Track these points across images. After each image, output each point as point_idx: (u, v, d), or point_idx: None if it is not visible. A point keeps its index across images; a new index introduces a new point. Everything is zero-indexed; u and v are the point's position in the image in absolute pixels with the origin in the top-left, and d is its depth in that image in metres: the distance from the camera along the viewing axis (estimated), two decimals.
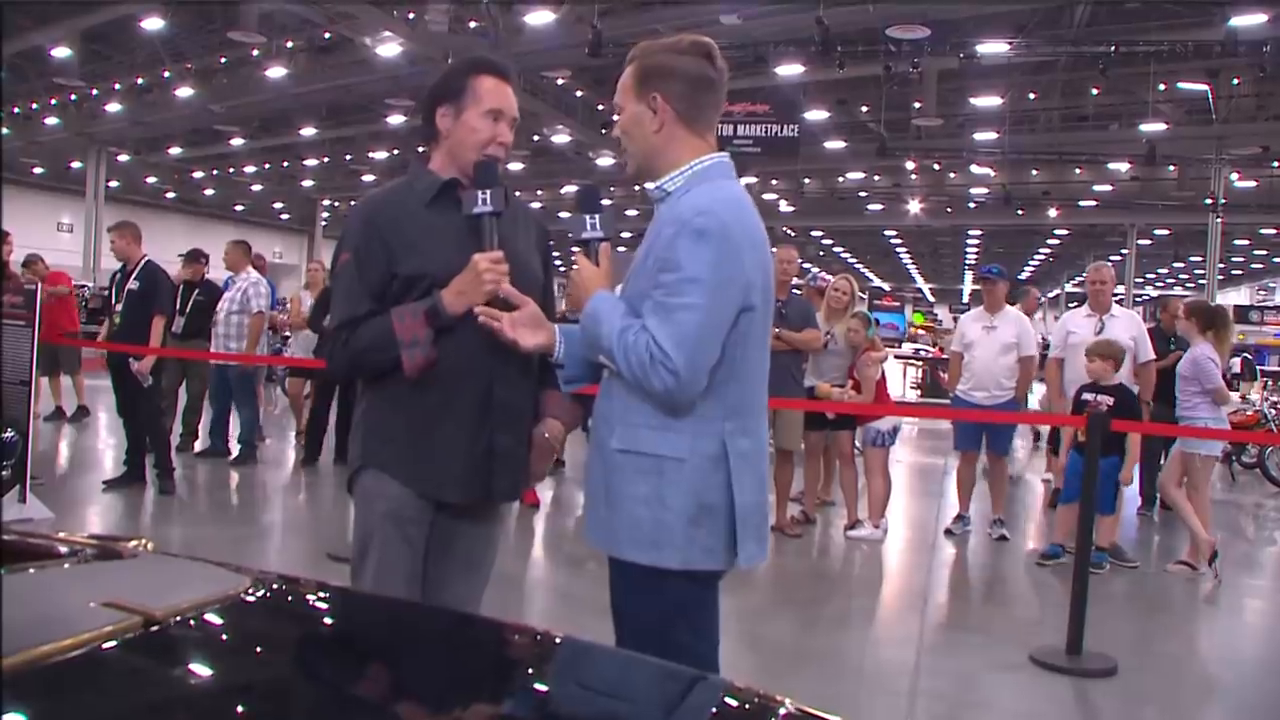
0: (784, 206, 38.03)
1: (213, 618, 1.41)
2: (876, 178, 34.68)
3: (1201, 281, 32.65)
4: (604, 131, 26.93)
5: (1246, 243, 41.01)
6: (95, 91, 26.88)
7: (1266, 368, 20.61)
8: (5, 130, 28.38)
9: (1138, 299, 36.68)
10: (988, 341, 7.06)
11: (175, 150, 33.06)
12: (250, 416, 8.74)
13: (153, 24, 21.07)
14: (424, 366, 2.33)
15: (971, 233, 42.88)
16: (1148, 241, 38.74)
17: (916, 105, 24.65)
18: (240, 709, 1.23)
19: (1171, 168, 28.10)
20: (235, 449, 8.75)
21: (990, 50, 19.39)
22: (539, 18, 19.63)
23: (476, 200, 2.36)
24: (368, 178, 36.10)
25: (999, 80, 23.28)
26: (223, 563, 1.75)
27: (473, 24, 20.83)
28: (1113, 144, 26.48)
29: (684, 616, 2.11)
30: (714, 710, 1.59)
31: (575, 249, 2.29)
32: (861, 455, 7.22)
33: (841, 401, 6.85)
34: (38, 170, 35.79)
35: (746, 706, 1.60)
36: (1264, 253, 44.19)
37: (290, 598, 1.71)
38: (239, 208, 45.05)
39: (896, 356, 21.02)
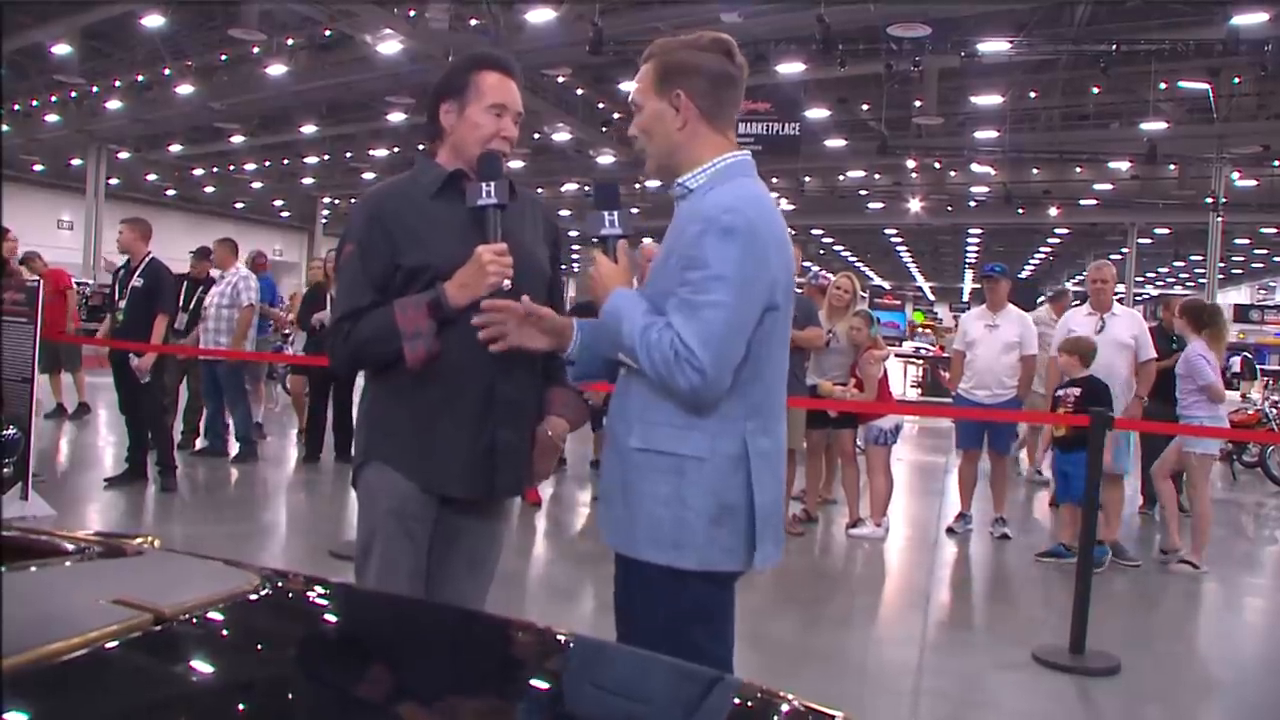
0: (784, 205, 37.96)
1: (222, 615, 1.41)
2: (877, 176, 34.69)
3: (1202, 280, 32.65)
4: (604, 129, 26.97)
5: (1247, 242, 41.01)
6: (95, 89, 26.88)
7: (1267, 367, 20.60)
8: (5, 127, 28.37)
9: (1138, 298, 36.65)
10: (990, 340, 7.06)
11: (175, 148, 33.05)
12: (243, 413, 8.66)
13: (153, 21, 21.06)
14: (426, 359, 2.32)
15: (972, 231, 42.88)
16: (1148, 240, 38.74)
17: (917, 104, 24.65)
18: (252, 706, 1.22)
19: (1172, 166, 28.10)
20: (234, 447, 8.73)
21: (991, 49, 19.39)
22: (539, 15, 19.62)
23: (480, 192, 2.36)
24: (368, 175, 36.11)
25: (1000, 79, 23.27)
26: (229, 560, 1.75)
27: (473, 21, 20.83)
28: (1113, 143, 26.49)
29: (701, 618, 2.08)
30: (720, 706, 1.59)
31: (593, 245, 2.27)
32: (863, 454, 7.22)
33: (844, 400, 6.85)
34: (38, 167, 35.77)
35: (750, 703, 1.59)
36: (1264, 252, 44.18)
37: (299, 595, 1.71)
38: (239, 205, 45.04)
39: (897, 355, 21.03)
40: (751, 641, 4.63)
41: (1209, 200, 26.18)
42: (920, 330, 36.22)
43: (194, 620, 1.34)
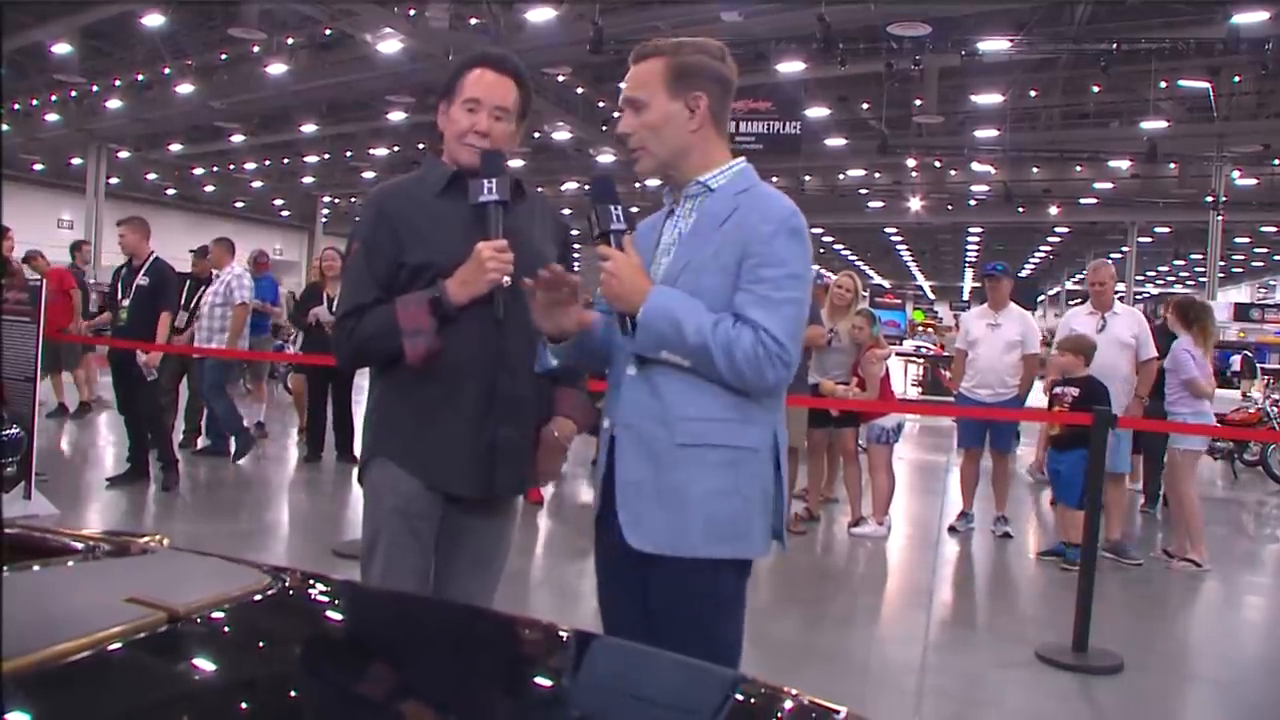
0: None
1: (235, 613, 1.41)
2: (877, 175, 34.74)
3: (1202, 279, 32.67)
4: (604, 128, 26.97)
5: (1247, 240, 41.07)
6: (96, 88, 26.92)
7: (1267, 365, 20.60)
8: (6, 126, 28.35)
9: (1138, 296, 36.68)
10: (992, 339, 7.06)
11: (175, 147, 33.09)
12: (225, 409, 8.60)
13: (153, 20, 21.09)
14: (426, 356, 2.33)
15: (972, 230, 42.92)
16: (1148, 239, 38.79)
17: (917, 102, 24.67)
18: (266, 704, 1.23)
19: (1172, 165, 28.14)
20: (234, 446, 8.68)
21: (991, 47, 19.42)
22: (540, 14, 19.64)
23: (482, 189, 2.36)
24: (368, 174, 36.13)
25: (1000, 77, 23.29)
26: (238, 558, 1.75)
27: (473, 21, 20.85)
28: (1113, 141, 26.53)
29: (731, 609, 2.15)
30: (720, 699, 1.60)
31: (596, 240, 2.19)
32: (865, 452, 7.22)
33: (846, 399, 6.86)
34: (38, 167, 35.80)
35: (753, 699, 1.60)
36: (1264, 250, 44.24)
37: (309, 594, 1.72)
38: (239, 204, 45.07)
39: (898, 354, 21.04)
40: (754, 640, 4.59)
41: (1209, 199, 26.21)
42: (920, 329, 36.25)
43: (207, 619, 1.34)
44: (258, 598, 1.48)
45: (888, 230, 44.27)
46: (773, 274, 2.06)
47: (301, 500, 7.80)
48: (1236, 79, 22.76)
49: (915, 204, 35.94)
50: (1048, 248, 46.58)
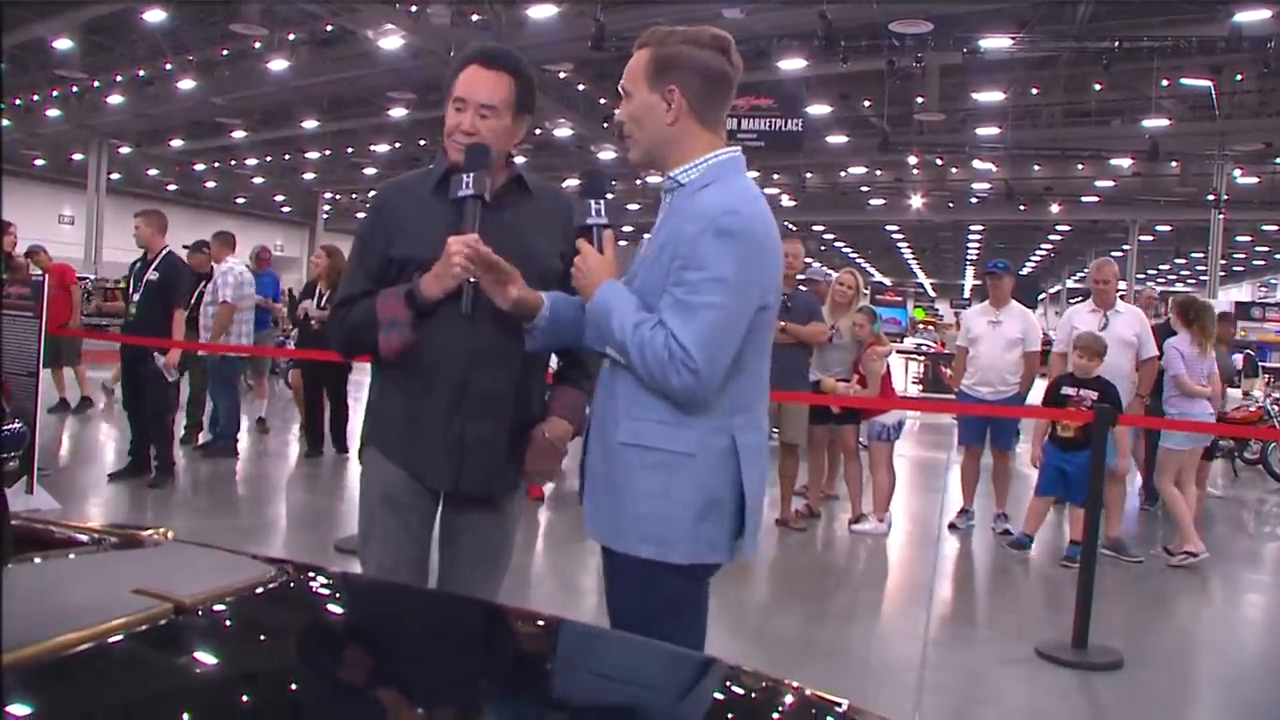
0: (786, 201, 38.01)
1: (239, 605, 1.42)
2: (878, 172, 34.74)
3: (1204, 278, 32.68)
4: (605, 125, 26.97)
5: (1249, 239, 41.05)
6: (97, 83, 26.91)
7: (1268, 364, 20.60)
8: (7, 122, 28.37)
9: (1139, 295, 36.66)
10: (993, 336, 7.07)
11: (177, 142, 33.08)
12: (228, 407, 8.64)
13: (154, 16, 21.07)
14: (400, 348, 2.36)
15: (973, 228, 42.91)
16: (1149, 237, 38.78)
17: (919, 100, 24.64)
18: (271, 694, 1.24)
19: (1174, 163, 28.12)
20: (241, 440, 8.71)
21: (993, 45, 19.41)
22: (541, 11, 19.63)
23: (461, 184, 2.37)
24: (369, 171, 36.15)
25: (1001, 75, 23.29)
26: (242, 551, 1.76)
27: (475, 17, 20.82)
28: (1115, 139, 26.51)
29: (678, 611, 2.11)
30: (723, 691, 1.61)
31: (579, 234, 2.24)
32: (866, 449, 7.23)
33: (848, 395, 6.86)
34: (39, 162, 35.79)
35: (755, 691, 1.62)
36: (1266, 249, 44.22)
37: (312, 586, 1.73)
38: (240, 200, 45.06)
39: (899, 351, 21.02)
40: (755, 636, 4.66)
41: (1210, 197, 26.20)
42: (921, 327, 36.25)
43: (213, 610, 1.35)
44: (261, 590, 1.49)
45: (889, 228, 44.27)
46: (693, 277, 2.00)
47: (302, 495, 7.81)
48: (1238, 77, 22.74)
49: (916, 201, 35.94)
50: (1049, 246, 46.56)
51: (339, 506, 6.98)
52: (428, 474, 2.43)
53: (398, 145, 32.40)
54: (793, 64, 20.46)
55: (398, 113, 27.05)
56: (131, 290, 7.22)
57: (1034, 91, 25.86)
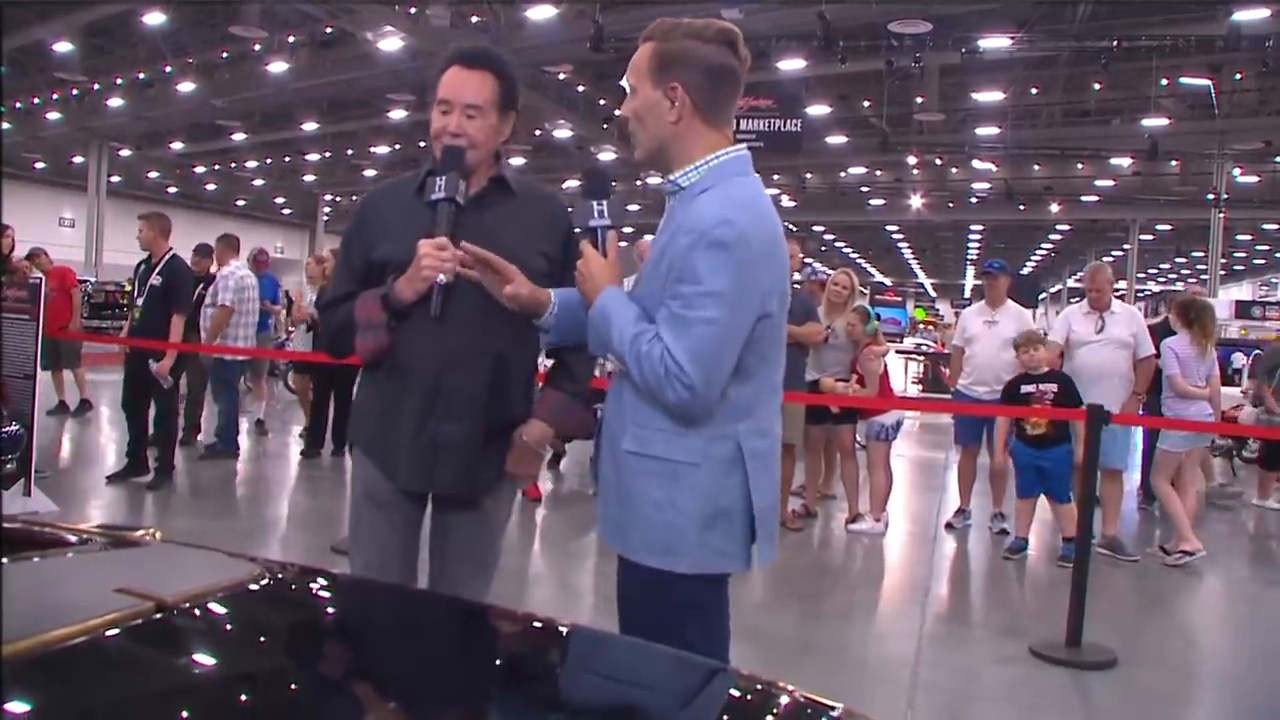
0: (786, 201, 38.01)
1: (222, 604, 1.43)
2: (878, 173, 34.74)
3: (1204, 277, 32.66)
4: (605, 126, 26.98)
5: (1249, 238, 41.02)
6: (97, 86, 26.94)
7: None
8: (7, 125, 28.40)
9: (1140, 294, 36.65)
10: (989, 336, 7.08)
11: (177, 145, 33.13)
12: (227, 409, 8.66)
13: (154, 19, 21.11)
14: (376, 350, 2.39)
15: (973, 228, 42.90)
16: (1150, 237, 38.77)
17: (918, 100, 24.64)
18: (249, 692, 1.25)
19: (1174, 163, 28.12)
20: (220, 443, 8.70)
21: (992, 45, 19.40)
22: (540, 12, 19.65)
23: (434, 187, 2.39)
24: (369, 173, 36.15)
25: (1001, 75, 23.29)
26: (230, 551, 1.77)
27: (474, 19, 20.84)
28: (1115, 139, 26.51)
29: (694, 617, 2.07)
30: (717, 695, 1.61)
31: (581, 236, 2.21)
32: (864, 449, 7.24)
33: (846, 395, 6.86)
34: (39, 165, 35.82)
35: (749, 695, 1.61)
36: (1266, 248, 44.20)
37: (297, 585, 1.74)
38: (241, 202, 45.11)
39: (898, 351, 21.02)
40: (751, 635, 4.65)
41: (1210, 196, 26.20)
42: (921, 326, 36.24)
43: (194, 609, 1.36)
44: (244, 588, 1.50)
45: (889, 228, 44.26)
46: (687, 291, 1.95)
47: (300, 497, 7.82)
48: (1238, 76, 22.74)
49: (916, 202, 35.93)
50: (1049, 245, 46.57)
51: (337, 508, 6.99)
52: (400, 474, 2.45)
53: (398, 147, 32.42)
54: (792, 64, 20.48)
55: (397, 114, 27.08)
56: (135, 294, 7.21)
57: (1033, 91, 25.86)
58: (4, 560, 1.41)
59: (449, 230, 2.34)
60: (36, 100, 28.41)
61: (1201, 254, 33.88)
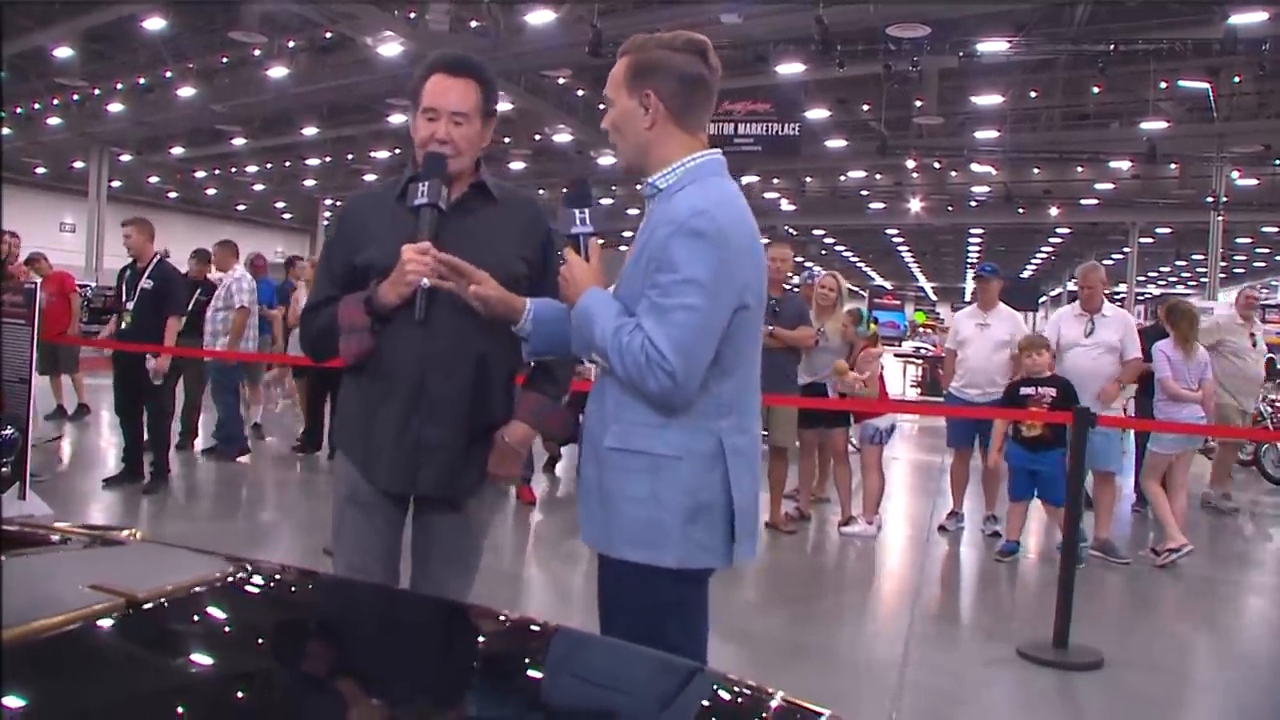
0: (785, 205, 38.09)
1: (193, 599, 1.46)
2: (878, 176, 34.75)
3: (1204, 280, 32.66)
4: (604, 131, 26.98)
5: (1249, 241, 41.03)
6: (97, 91, 27.01)
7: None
8: (7, 130, 28.46)
9: (1140, 297, 36.65)
10: (981, 339, 7.11)
11: (177, 150, 33.18)
12: (229, 411, 8.72)
13: (154, 24, 21.16)
14: (359, 353, 2.42)
15: (973, 231, 42.93)
16: (1149, 240, 38.76)
17: (917, 104, 24.69)
18: (216, 685, 1.28)
19: (1173, 166, 28.13)
20: (225, 445, 8.75)
21: (990, 49, 19.43)
22: (539, 17, 19.68)
23: (417, 193, 2.43)
24: (369, 177, 36.19)
25: (1000, 79, 23.30)
26: (209, 550, 1.80)
27: (473, 23, 20.88)
28: (1114, 142, 26.52)
29: (675, 614, 2.11)
30: (704, 699, 1.62)
31: (566, 243, 2.28)
32: (858, 452, 7.26)
33: (858, 380, 6.78)
34: (40, 170, 35.91)
35: (739, 699, 1.62)
36: (1266, 251, 44.20)
37: (269, 582, 1.76)
38: (241, 207, 45.18)
39: (896, 355, 21.04)
40: (742, 636, 4.69)
41: (1210, 199, 26.21)
42: (922, 330, 36.24)
43: (165, 604, 1.39)
44: (217, 585, 1.53)
45: (889, 232, 44.29)
46: (665, 280, 2.01)
47: (295, 501, 7.85)
48: (1236, 79, 22.75)
49: (916, 205, 35.97)
50: (1049, 249, 46.57)
51: (330, 510, 7.00)
52: (383, 477, 2.48)
53: (397, 151, 32.44)
54: (790, 68, 20.51)
55: (397, 119, 27.08)
56: (124, 298, 7.26)
57: (1032, 95, 25.88)
58: None
59: (432, 235, 2.38)
60: (37, 105, 28.49)
61: (1201, 257, 33.84)
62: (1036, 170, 31.50)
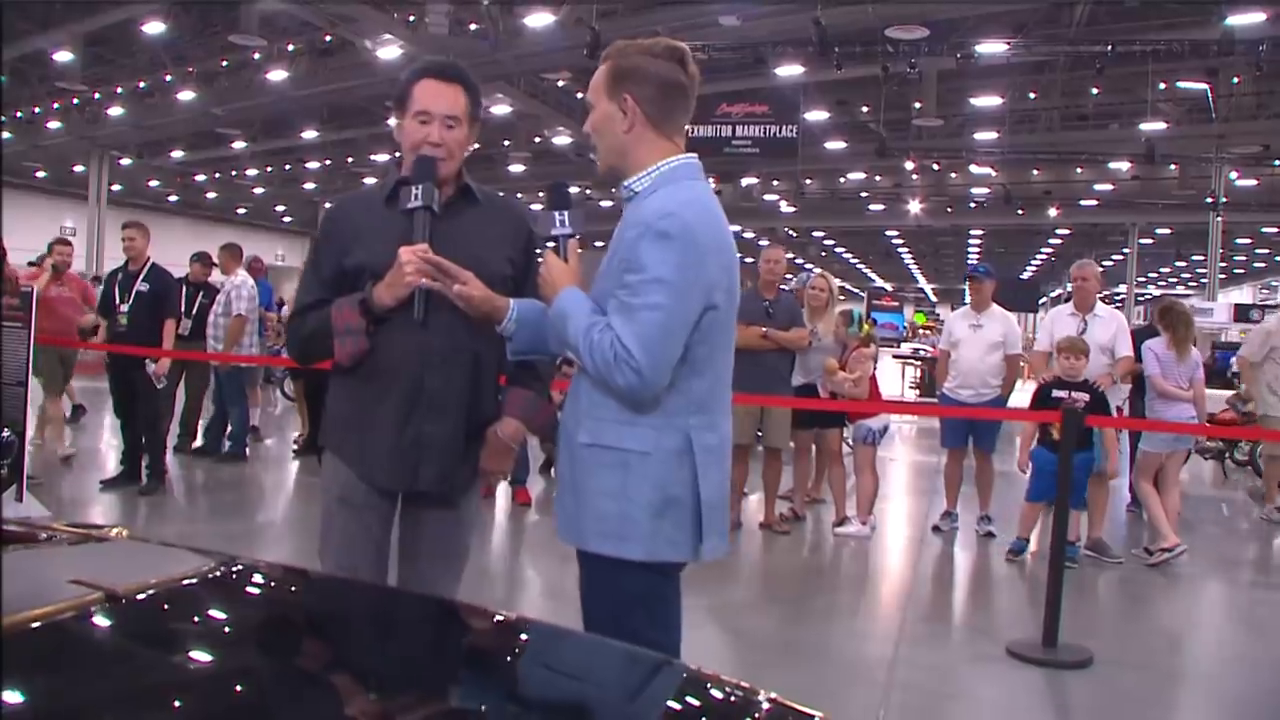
0: (785, 207, 38.11)
1: (173, 594, 1.49)
2: (877, 178, 34.74)
3: (1203, 280, 32.64)
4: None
5: (1248, 241, 41.01)
6: (97, 95, 27.04)
7: None
8: (7, 134, 28.50)
9: (1140, 298, 36.65)
10: (974, 340, 7.13)
11: (177, 153, 33.21)
12: (240, 415, 8.78)
13: (154, 28, 21.20)
14: (355, 354, 2.45)
15: (973, 232, 42.92)
16: (1149, 241, 38.74)
17: (916, 105, 24.68)
18: (192, 679, 1.30)
19: (1172, 166, 28.13)
20: (225, 445, 8.79)
21: (989, 50, 19.42)
22: (539, 20, 19.70)
23: (410, 196, 2.46)
24: (369, 180, 36.09)
25: (998, 80, 23.31)
26: (193, 548, 1.83)
27: (473, 26, 20.91)
28: (1113, 143, 26.50)
29: (644, 607, 2.15)
30: (687, 697, 1.64)
31: (546, 245, 2.33)
32: (852, 452, 7.28)
33: (847, 380, 6.81)
34: (40, 174, 35.91)
35: (732, 698, 1.63)
36: (1265, 251, 44.18)
37: (249, 578, 1.79)
38: (241, 210, 45.17)
39: (895, 356, 21.06)
40: (733, 635, 4.73)
41: (1209, 200, 26.21)
42: (922, 331, 36.25)
43: (144, 599, 1.42)
44: (197, 581, 1.55)
45: (888, 233, 44.30)
46: (634, 279, 2.07)
47: (292, 502, 7.87)
48: (1235, 80, 22.74)
49: (915, 207, 35.95)
50: (1049, 250, 46.55)
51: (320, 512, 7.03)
52: (380, 476, 2.51)
53: (397, 154, 32.35)
54: (789, 70, 20.52)
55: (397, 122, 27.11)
56: (118, 301, 7.29)
57: (1031, 96, 25.91)
58: None
59: (426, 237, 2.42)
60: (37, 109, 28.50)
61: (1201, 257, 33.85)
62: (1036, 171, 31.50)
